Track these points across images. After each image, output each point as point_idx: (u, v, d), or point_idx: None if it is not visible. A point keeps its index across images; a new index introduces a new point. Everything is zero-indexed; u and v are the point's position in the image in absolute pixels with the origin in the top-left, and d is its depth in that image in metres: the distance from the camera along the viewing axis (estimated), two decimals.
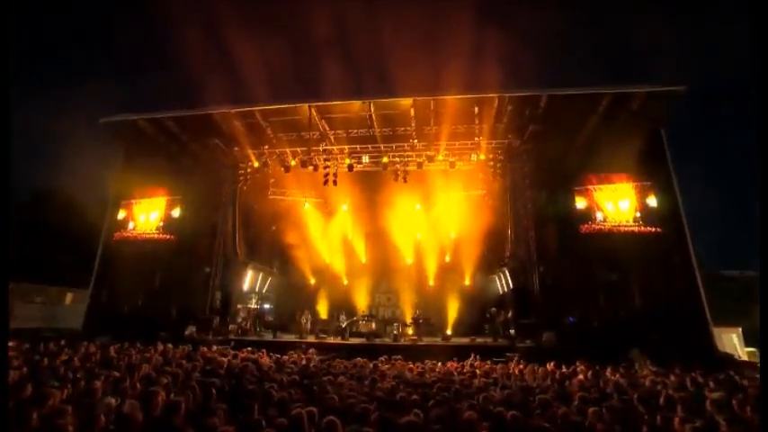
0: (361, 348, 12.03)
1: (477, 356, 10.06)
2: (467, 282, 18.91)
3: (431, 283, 19.14)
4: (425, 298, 18.62)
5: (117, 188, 16.00)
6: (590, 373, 7.40)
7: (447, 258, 19.19)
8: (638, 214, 12.99)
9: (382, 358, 9.54)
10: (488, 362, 9.84)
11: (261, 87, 14.78)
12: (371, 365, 8.42)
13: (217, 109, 14.56)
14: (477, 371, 8.39)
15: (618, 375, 7.24)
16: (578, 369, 8.52)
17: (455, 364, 9.15)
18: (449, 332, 16.72)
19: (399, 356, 9.83)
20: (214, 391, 4.41)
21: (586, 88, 13.52)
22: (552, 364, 8.83)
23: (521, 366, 8.75)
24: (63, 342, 9.49)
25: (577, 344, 11.23)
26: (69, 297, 21.23)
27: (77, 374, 5.30)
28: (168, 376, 5.25)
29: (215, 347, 10.69)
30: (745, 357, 13.59)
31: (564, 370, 8.33)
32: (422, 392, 5.14)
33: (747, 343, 14.72)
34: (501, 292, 17.00)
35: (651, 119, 13.72)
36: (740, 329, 14.78)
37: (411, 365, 8.34)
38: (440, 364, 9.09)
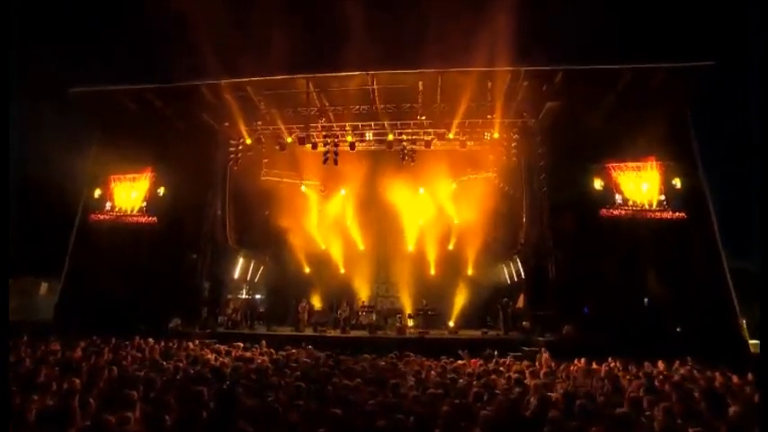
0: (366, 342, 10.99)
1: (496, 352, 9.08)
2: (470, 271, 17.94)
3: (432, 272, 18.12)
4: (427, 288, 17.61)
5: (93, 166, 14.49)
6: (641, 372, 6.46)
7: (450, 246, 18.16)
8: (663, 197, 12.10)
9: (392, 355, 8.51)
10: (509, 358, 8.91)
11: (251, 57, 13.32)
12: (382, 363, 7.39)
13: (203, 80, 13.18)
14: (502, 368, 7.44)
15: (677, 375, 6.28)
16: (612, 366, 7.65)
17: (475, 362, 8.14)
18: (451, 324, 15.82)
19: (411, 354, 8.80)
20: (199, 410, 3.27)
21: (606, 64, 12.63)
22: (582, 360, 7.94)
23: (551, 364, 7.79)
24: (25, 338, 8.22)
25: (604, 337, 10.35)
26: (44, 287, 19.71)
27: (24, 385, 4.10)
28: (140, 385, 4.09)
29: (197, 341, 9.53)
30: None
31: (594, 366, 7.44)
32: (465, 404, 4.10)
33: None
34: (509, 281, 16.10)
35: (675, 97, 12.83)
36: (744, 321, 14.24)
37: (428, 363, 7.32)
38: (459, 361, 8.06)
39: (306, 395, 4.38)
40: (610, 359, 8.01)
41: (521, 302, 14.90)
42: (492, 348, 9.01)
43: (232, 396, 4.02)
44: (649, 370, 7.22)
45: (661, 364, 7.68)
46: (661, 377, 6.31)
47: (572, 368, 7.44)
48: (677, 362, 7.81)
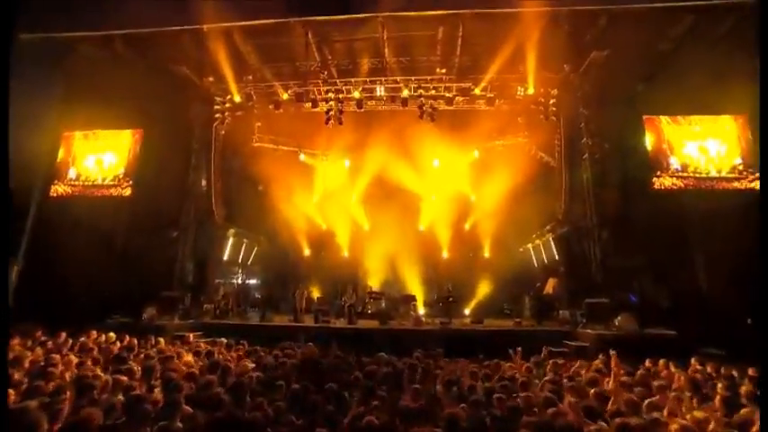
0: (379, 335, 9.22)
1: (548, 350, 7.28)
2: (490, 253, 16.08)
3: (447, 254, 16.26)
4: (441, 272, 15.80)
5: (53, 128, 12.41)
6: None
7: (467, 225, 16.24)
8: (739, 161, 10.18)
9: (417, 354, 6.69)
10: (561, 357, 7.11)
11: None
12: (408, 369, 5.56)
13: (177, 26, 10.97)
14: (553, 372, 5.64)
15: None
16: (699, 369, 5.88)
17: (524, 364, 6.32)
18: (467, 311, 14.10)
19: (440, 350, 7.02)
20: None
21: (662, 2, 10.47)
22: (661, 362, 6.15)
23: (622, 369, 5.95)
24: None
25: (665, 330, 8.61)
26: (16, 271, 17.92)
27: None
28: None
29: (174, 335, 7.73)
30: None
31: (674, 371, 5.64)
32: None
33: None
34: (536, 264, 14.27)
35: (746, 41, 10.73)
36: None
37: (473, 367, 5.51)
38: (503, 362, 6.23)
39: None
40: (693, 361, 6.27)
41: (549, 288, 13.17)
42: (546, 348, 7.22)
43: None
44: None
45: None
46: None
47: (652, 372, 5.66)
48: None
